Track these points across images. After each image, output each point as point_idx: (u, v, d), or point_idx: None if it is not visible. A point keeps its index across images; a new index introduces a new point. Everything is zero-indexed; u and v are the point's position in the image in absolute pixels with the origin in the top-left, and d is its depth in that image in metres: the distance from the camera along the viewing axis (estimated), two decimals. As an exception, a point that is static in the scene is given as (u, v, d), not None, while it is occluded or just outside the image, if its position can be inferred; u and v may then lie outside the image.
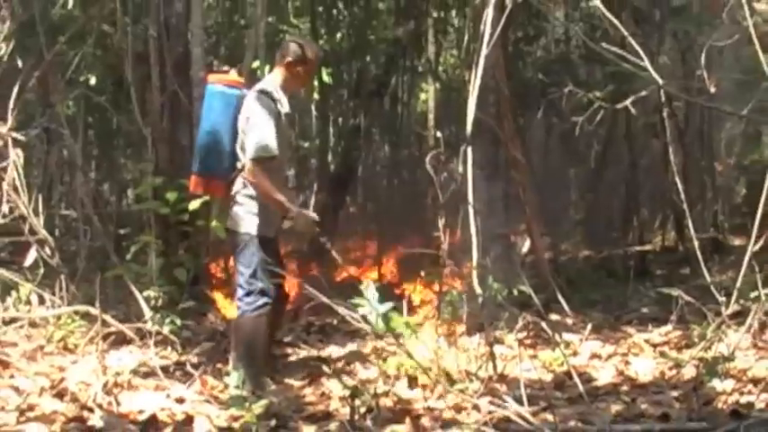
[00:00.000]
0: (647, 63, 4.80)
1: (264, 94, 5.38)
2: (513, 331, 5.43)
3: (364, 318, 4.06)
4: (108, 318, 6.33)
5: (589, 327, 6.83)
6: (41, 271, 7.08)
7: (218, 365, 5.91)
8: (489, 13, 5.86)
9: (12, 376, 5.41)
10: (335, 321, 7.82)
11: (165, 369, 5.63)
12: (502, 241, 8.02)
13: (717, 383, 4.69)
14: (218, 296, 8.53)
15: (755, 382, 4.74)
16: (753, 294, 5.17)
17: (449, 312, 6.25)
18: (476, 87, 5.88)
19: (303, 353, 6.78)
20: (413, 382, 5.26)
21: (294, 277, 8.07)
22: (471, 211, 5.77)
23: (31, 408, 4.68)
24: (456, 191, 6.04)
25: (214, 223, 6.36)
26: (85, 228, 8.82)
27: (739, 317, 5.62)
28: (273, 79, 5.56)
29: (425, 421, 4.47)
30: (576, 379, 4.49)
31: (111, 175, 15.11)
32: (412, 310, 7.82)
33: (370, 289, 4.09)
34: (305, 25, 15.14)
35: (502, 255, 7.51)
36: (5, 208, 6.88)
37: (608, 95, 8.72)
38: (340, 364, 6.18)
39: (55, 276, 7.04)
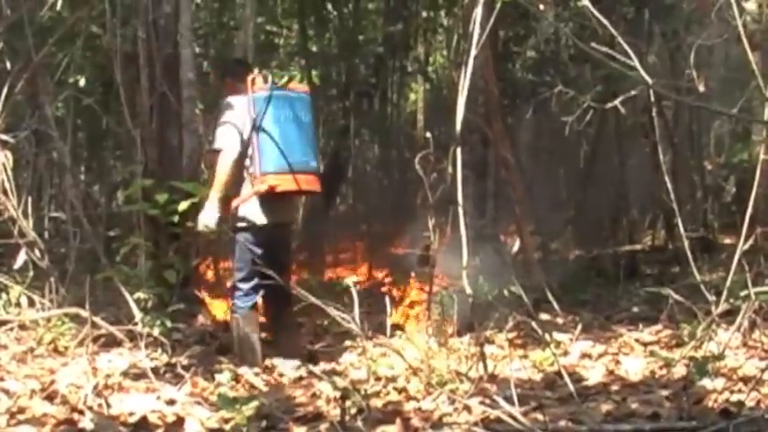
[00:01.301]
0: (636, 62, 4.79)
1: None
2: (503, 331, 5.43)
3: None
4: (98, 320, 6.30)
5: (579, 326, 6.83)
6: (31, 273, 7.05)
7: (209, 367, 5.90)
8: (478, 13, 5.84)
9: (2, 379, 5.38)
10: (326, 322, 7.80)
11: (155, 371, 5.60)
12: (492, 241, 8.02)
13: (707, 382, 4.69)
14: (207, 298, 8.51)
15: (745, 380, 4.73)
16: (743, 293, 5.18)
17: (439, 312, 6.25)
18: (465, 87, 5.86)
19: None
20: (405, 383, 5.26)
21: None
22: (461, 211, 5.76)
23: (21, 410, 4.65)
24: (445, 191, 6.04)
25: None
26: (75, 230, 8.78)
27: (729, 316, 5.63)
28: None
29: (416, 422, 4.46)
30: (567, 378, 4.49)
31: (101, 176, 15.08)
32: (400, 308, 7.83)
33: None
34: (294, 26, 15.14)
35: (492, 255, 7.51)
36: (-5, 210, 6.86)
37: (597, 95, 8.74)
38: (330, 365, 6.17)
39: (45, 279, 7.01)
